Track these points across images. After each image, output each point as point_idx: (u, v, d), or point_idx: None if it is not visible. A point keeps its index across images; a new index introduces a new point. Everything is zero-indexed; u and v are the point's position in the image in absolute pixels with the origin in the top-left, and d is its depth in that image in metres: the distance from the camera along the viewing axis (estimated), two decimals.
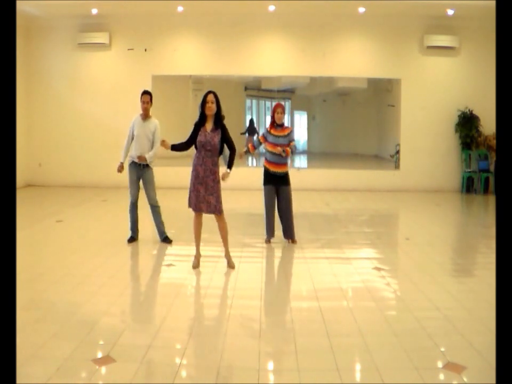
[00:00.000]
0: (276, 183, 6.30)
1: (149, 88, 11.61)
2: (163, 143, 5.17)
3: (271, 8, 10.91)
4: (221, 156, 5.33)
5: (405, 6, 10.55)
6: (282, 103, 16.88)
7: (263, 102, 17.87)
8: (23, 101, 11.37)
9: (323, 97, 17.70)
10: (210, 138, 5.12)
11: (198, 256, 5.39)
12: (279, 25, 11.56)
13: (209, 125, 5.17)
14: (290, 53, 11.76)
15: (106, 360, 3.18)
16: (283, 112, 6.29)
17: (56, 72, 11.88)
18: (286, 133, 6.26)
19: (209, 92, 5.17)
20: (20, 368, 2.84)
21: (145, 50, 11.70)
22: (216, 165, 5.22)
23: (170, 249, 6.24)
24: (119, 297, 4.41)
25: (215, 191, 5.17)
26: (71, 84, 11.85)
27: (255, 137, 15.42)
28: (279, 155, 6.18)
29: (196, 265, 5.33)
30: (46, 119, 11.93)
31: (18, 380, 2.46)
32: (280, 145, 6.18)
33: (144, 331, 3.71)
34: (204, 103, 5.13)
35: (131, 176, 6.29)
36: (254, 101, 17.61)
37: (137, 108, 12.90)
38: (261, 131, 16.52)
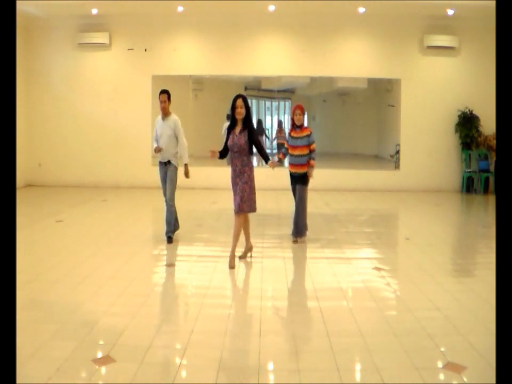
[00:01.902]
0: (295, 182, 6.53)
1: (149, 88, 11.71)
2: (213, 154, 5.41)
3: (271, 8, 10.91)
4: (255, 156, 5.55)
5: (405, 6, 10.55)
6: (282, 103, 16.98)
7: (263, 102, 17.86)
8: (23, 101, 11.38)
9: (323, 97, 17.69)
10: (237, 140, 5.28)
11: (247, 249, 5.68)
12: (279, 25, 11.56)
13: (238, 128, 5.35)
14: (290, 53, 11.75)
15: (106, 360, 3.18)
16: (302, 114, 6.42)
17: (56, 72, 11.88)
18: (304, 134, 6.37)
19: (238, 97, 5.29)
20: (19, 368, 2.84)
21: (145, 50, 11.71)
22: (246, 165, 5.36)
23: (170, 249, 6.25)
24: (119, 297, 4.41)
25: (241, 191, 5.33)
26: (71, 83, 11.85)
27: (263, 138, 15.40)
28: (298, 156, 6.34)
29: (243, 256, 5.62)
30: (46, 119, 11.93)
31: (18, 380, 2.45)
32: (299, 147, 6.31)
33: (144, 331, 3.70)
34: (233, 108, 5.27)
35: (160, 175, 6.50)
36: (254, 101, 17.59)
37: (137, 108, 12.85)
38: (267, 131, 16.55)
